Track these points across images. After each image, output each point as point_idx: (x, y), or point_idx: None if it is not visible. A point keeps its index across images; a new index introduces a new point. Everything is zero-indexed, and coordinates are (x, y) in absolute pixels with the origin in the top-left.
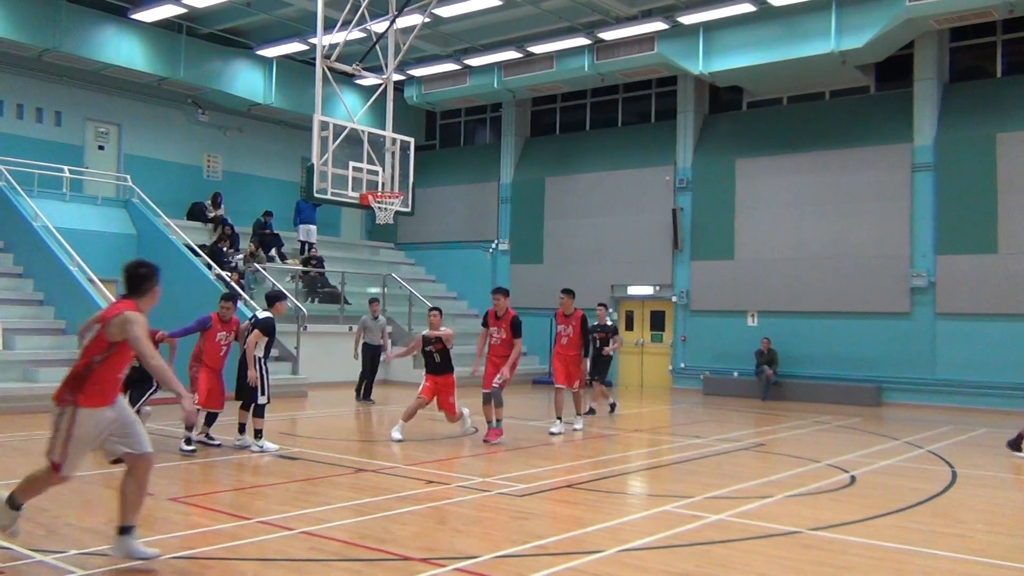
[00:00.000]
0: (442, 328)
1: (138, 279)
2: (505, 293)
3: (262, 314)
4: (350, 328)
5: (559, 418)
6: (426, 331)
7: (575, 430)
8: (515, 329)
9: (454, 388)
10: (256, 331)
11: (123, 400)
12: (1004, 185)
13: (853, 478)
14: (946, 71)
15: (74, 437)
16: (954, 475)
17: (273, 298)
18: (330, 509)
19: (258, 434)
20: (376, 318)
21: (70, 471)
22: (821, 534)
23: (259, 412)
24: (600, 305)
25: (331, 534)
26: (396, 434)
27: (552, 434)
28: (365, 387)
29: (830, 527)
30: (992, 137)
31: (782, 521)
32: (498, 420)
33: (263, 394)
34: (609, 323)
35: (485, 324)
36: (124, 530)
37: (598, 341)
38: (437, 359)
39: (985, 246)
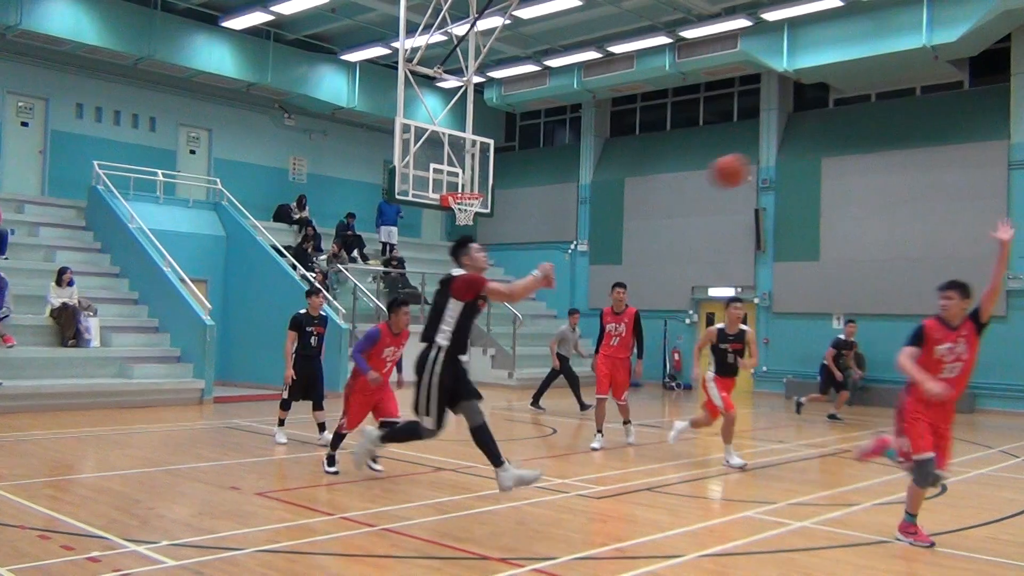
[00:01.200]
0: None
1: None
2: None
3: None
4: None
5: (599, 431)
6: (721, 324)
7: (628, 444)
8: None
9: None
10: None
11: None
12: None
13: (945, 487)
14: None
15: None
16: None
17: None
18: (410, 507)
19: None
20: (574, 329)
21: None
22: (911, 544)
23: (283, 404)
24: (849, 321)
25: (411, 531)
26: (673, 438)
27: (593, 449)
28: (576, 399)
29: None
30: None
31: (870, 530)
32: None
33: (285, 388)
34: (854, 338)
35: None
36: None
37: (843, 357)
38: (731, 360)
39: None
